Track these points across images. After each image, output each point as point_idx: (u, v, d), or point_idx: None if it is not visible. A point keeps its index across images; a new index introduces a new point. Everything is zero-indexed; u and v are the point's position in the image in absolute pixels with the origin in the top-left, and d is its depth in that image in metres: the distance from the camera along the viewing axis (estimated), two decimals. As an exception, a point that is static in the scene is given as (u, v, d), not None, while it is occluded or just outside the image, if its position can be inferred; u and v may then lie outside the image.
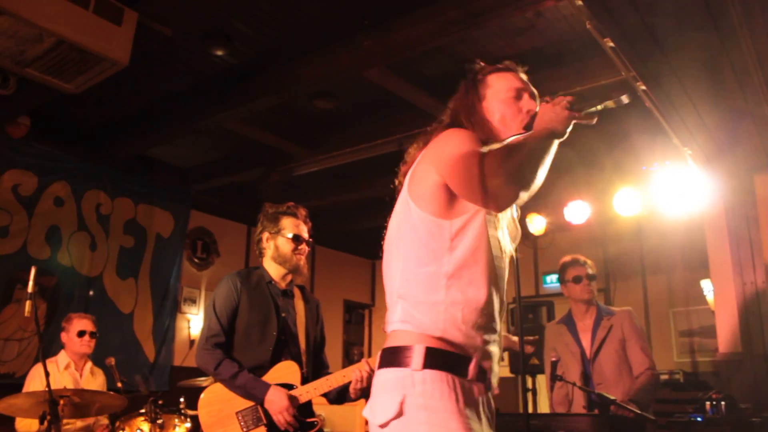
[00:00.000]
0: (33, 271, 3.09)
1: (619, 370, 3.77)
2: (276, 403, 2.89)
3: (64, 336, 4.63)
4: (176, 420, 4.06)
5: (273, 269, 3.22)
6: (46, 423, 3.02)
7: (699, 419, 3.57)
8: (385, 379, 1.68)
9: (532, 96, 1.94)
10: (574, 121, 1.76)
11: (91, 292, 6.40)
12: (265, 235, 3.24)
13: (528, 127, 1.85)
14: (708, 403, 3.69)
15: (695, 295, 6.83)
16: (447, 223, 1.70)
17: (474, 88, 1.96)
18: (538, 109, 1.85)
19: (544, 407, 5.02)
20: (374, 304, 10.14)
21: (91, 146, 6.42)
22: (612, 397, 3.24)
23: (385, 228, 1.89)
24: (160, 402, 4.10)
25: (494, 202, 1.63)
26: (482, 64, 2.03)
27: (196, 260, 7.69)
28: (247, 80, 5.12)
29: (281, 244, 3.19)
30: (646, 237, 7.45)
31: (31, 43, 3.81)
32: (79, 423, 4.39)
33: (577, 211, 6.14)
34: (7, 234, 5.81)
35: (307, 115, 5.82)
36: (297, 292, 3.31)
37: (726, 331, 4.66)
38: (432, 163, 1.76)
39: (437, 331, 1.64)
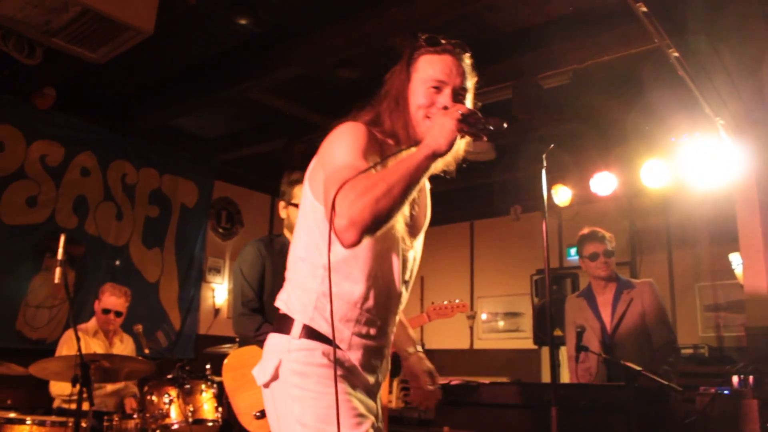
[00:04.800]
0: (62, 238, 3.14)
1: (639, 343, 3.75)
2: None
3: (96, 304, 4.71)
4: (203, 386, 4.11)
5: (291, 237, 3.23)
6: (78, 386, 3.08)
7: (726, 392, 3.53)
8: (270, 343, 1.77)
9: (457, 93, 1.76)
10: (466, 136, 1.63)
11: (117, 262, 6.50)
12: (281, 203, 3.25)
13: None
14: (735, 376, 3.64)
15: (722, 269, 6.74)
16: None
17: (407, 66, 1.82)
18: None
19: (565, 379, 5.02)
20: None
21: (117, 116, 6.46)
22: (638, 368, 3.21)
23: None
24: (186, 368, 4.17)
25: (339, 240, 1.49)
26: (422, 40, 1.83)
27: (220, 230, 7.75)
28: (271, 49, 5.09)
29: (292, 213, 3.19)
30: (673, 210, 7.33)
31: (56, 12, 3.82)
32: (109, 387, 4.49)
33: (603, 183, 6.06)
34: (35, 203, 5.89)
35: (331, 85, 5.78)
36: (317, 260, 3.31)
37: (755, 305, 4.59)
38: (320, 162, 1.75)
39: (305, 318, 1.69)
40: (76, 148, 6.24)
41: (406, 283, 1.81)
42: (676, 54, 3.51)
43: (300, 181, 3.21)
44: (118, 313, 4.69)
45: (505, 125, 1.56)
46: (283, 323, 1.74)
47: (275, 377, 1.68)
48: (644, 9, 3.14)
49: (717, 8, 3.18)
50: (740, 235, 4.73)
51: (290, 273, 1.81)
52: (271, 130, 6.79)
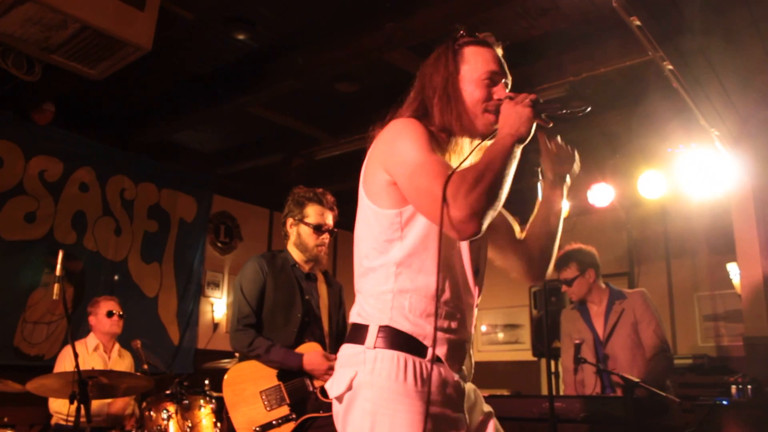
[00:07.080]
0: (60, 255, 3.15)
1: (633, 353, 3.76)
2: (317, 366, 2.97)
3: (92, 319, 4.71)
4: (201, 401, 4.11)
5: (295, 254, 3.24)
6: (75, 403, 3.08)
7: (725, 402, 3.53)
8: (344, 354, 1.72)
9: (506, 83, 1.80)
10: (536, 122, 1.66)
11: (116, 277, 6.49)
12: (290, 220, 3.25)
13: (494, 120, 1.74)
14: (734, 386, 3.64)
15: (720, 279, 6.74)
16: (397, 212, 1.66)
17: (453, 58, 1.78)
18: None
19: (561, 391, 5.01)
20: (396, 288, 10.15)
21: (115, 132, 6.48)
22: (636, 380, 3.22)
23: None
24: (185, 384, 4.16)
25: (457, 233, 1.53)
26: (463, 31, 1.83)
27: (219, 244, 7.75)
28: (269, 64, 5.12)
29: (303, 232, 3.20)
30: (671, 220, 7.36)
31: (55, 29, 3.84)
32: (106, 408, 4.47)
33: (600, 194, 6.07)
34: (34, 219, 5.90)
35: (330, 99, 5.82)
36: (320, 276, 3.33)
37: (753, 315, 4.60)
38: (380, 163, 1.69)
39: (385, 320, 1.65)
40: (74, 164, 6.24)
41: (476, 273, 1.78)
42: (670, 66, 3.53)
43: (312, 199, 3.22)
44: (120, 315, 4.71)
45: (588, 108, 1.64)
46: (357, 333, 1.69)
47: (349, 389, 1.64)
48: (638, 23, 3.16)
49: (709, 22, 3.21)
50: (737, 246, 4.75)
51: (359, 285, 1.77)
52: (270, 145, 6.81)
